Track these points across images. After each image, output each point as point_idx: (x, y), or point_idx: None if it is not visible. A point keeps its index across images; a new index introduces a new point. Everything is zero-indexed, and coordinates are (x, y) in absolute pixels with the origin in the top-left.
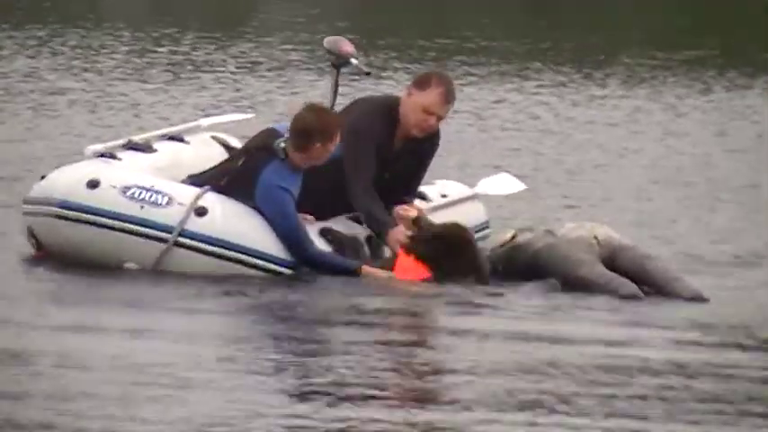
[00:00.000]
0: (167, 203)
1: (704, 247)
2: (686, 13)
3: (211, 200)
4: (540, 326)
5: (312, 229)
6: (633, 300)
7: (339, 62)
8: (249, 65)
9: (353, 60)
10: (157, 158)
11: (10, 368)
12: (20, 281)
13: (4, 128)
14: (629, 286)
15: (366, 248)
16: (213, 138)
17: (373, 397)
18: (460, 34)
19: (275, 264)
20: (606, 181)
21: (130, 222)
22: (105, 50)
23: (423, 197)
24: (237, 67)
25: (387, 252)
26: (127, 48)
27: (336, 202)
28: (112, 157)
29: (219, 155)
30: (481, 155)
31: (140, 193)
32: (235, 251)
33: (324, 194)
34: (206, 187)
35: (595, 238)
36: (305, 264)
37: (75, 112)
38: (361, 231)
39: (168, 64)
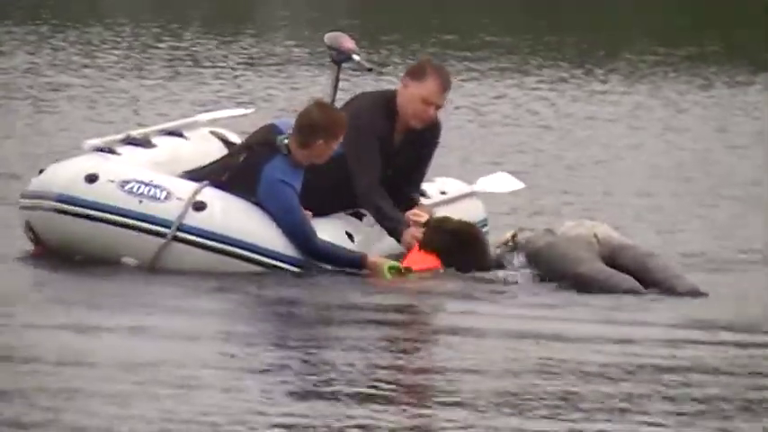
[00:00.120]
0: (166, 198)
1: (704, 242)
2: (686, 12)
3: (210, 195)
4: (541, 324)
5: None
6: (634, 294)
7: (339, 58)
8: (250, 61)
9: (355, 56)
10: (156, 154)
11: (9, 366)
12: (19, 279)
13: (3, 124)
14: (630, 281)
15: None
16: (212, 133)
17: (374, 395)
18: (460, 30)
19: (274, 258)
20: (606, 177)
21: (129, 217)
22: (105, 46)
23: (422, 194)
24: (238, 63)
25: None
26: (127, 43)
27: (337, 199)
28: (111, 151)
29: (218, 150)
30: (481, 150)
31: (139, 187)
32: (233, 246)
33: (324, 192)
34: (205, 182)
35: (595, 236)
36: (310, 257)
37: (74, 108)
38: (361, 227)
39: (168, 59)
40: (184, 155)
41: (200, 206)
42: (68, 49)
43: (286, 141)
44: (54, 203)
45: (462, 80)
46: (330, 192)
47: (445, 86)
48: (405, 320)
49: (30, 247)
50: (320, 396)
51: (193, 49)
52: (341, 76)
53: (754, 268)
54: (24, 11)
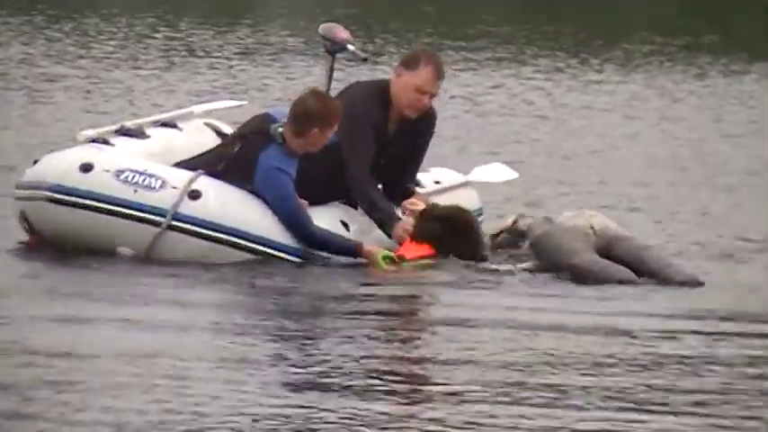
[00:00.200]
0: (161, 187)
1: (700, 231)
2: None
3: (205, 183)
4: (538, 315)
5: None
6: (629, 285)
7: (334, 48)
8: (245, 51)
9: (350, 46)
10: (150, 144)
11: (4, 359)
12: (13, 271)
13: None
14: (624, 271)
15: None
16: (206, 124)
17: (369, 386)
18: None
19: (269, 247)
20: (602, 166)
21: (123, 206)
22: (101, 37)
23: (416, 184)
24: (233, 54)
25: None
26: (122, 34)
27: (331, 188)
28: (105, 142)
29: (212, 141)
30: (477, 140)
31: (133, 176)
32: (228, 234)
33: (319, 181)
34: (199, 171)
35: (592, 227)
36: (306, 244)
37: (69, 99)
38: (356, 216)
39: (163, 50)
40: (178, 146)
41: (195, 195)
42: (64, 39)
43: (281, 130)
44: (49, 193)
45: (458, 70)
46: (324, 180)
47: (439, 75)
48: (400, 311)
49: (25, 237)
50: (315, 387)
51: (189, 39)
52: (336, 66)
53: (750, 257)
54: (19, 1)
